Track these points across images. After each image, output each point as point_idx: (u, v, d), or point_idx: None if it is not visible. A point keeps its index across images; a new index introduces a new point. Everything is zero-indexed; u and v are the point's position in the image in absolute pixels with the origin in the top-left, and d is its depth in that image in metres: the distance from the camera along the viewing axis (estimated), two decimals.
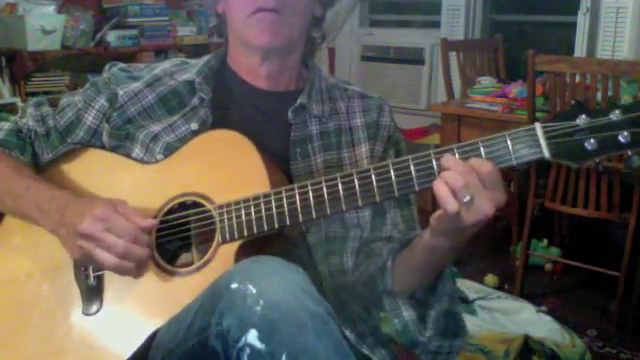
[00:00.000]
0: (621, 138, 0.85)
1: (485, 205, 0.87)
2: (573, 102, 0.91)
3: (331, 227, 1.10)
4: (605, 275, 2.59)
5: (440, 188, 0.88)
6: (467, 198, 0.86)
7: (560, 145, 0.87)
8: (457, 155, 0.90)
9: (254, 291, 0.84)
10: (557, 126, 0.88)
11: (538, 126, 0.88)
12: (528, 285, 2.82)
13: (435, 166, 0.91)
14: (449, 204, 0.87)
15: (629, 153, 0.86)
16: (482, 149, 0.90)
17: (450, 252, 0.97)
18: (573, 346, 2.32)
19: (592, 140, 0.86)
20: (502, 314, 2.54)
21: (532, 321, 2.49)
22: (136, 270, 1.01)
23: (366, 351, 1.10)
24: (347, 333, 1.09)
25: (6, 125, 1.18)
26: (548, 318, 2.51)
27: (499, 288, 2.84)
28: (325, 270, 1.10)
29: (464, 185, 0.86)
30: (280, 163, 1.09)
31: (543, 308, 2.63)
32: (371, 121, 1.18)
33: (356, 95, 1.21)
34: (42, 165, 1.19)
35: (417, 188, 0.93)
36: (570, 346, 2.32)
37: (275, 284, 0.86)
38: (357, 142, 1.16)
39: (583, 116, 0.87)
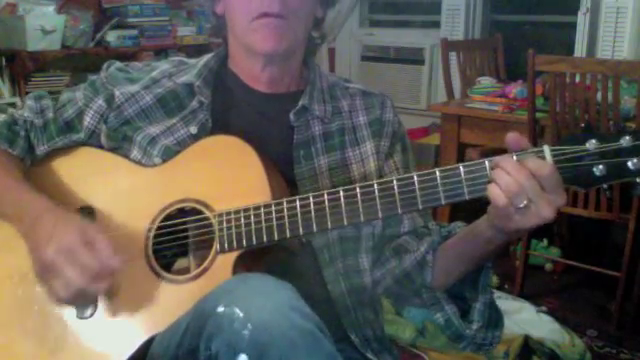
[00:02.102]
0: (630, 165, 0.84)
1: (545, 209, 0.85)
2: (583, 125, 0.90)
3: (344, 228, 1.10)
4: (605, 275, 2.59)
5: (492, 190, 0.86)
6: (523, 203, 0.84)
7: (568, 169, 0.86)
8: (463, 174, 0.89)
9: (241, 315, 0.83)
10: (566, 149, 0.86)
11: (547, 149, 0.87)
12: (528, 285, 2.82)
13: (440, 184, 0.90)
14: (499, 201, 0.85)
15: (637, 180, 0.85)
16: (488, 168, 0.88)
17: (505, 243, 0.96)
18: (573, 346, 2.33)
19: (601, 166, 0.85)
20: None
21: (532, 321, 2.49)
22: (88, 304, 1.01)
23: (370, 355, 1.10)
24: (352, 337, 1.08)
25: (1, 117, 1.17)
26: (548, 318, 2.51)
27: (499, 288, 2.84)
28: (331, 274, 1.09)
29: (519, 191, 0.84)
30: (283, 166, 1.08)
31: (543, 308, 2.63)
32: (374, 118, 1.17)
33: (358, 93, 1.20)
34: (37, 160, 1.17)
35: (421, 206, 0.91)
36: (570, 346, 2.32)
37: (262, 305, 0.84)
38: (361, 140, 1.15)
39: (593, 140, 0.85)
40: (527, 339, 2.30)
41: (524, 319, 2.50)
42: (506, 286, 2.87)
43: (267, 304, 0.84)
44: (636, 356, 2.38)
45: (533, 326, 2.43)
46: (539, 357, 2.27)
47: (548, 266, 3.08)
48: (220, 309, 0.84)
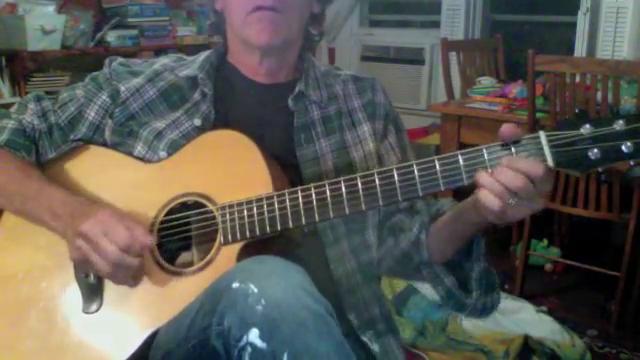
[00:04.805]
0: (624, 148, 0.85)
1: (537, 202, 0.89)
2: (577, 111, 0.90)
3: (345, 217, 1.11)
4: (605, 275, 2.59)
5: (487, 198, 0.89)
6: (513, 201, 0.87)
7: (564, 154, 0.88)
8: (461, 161, 0.90)
9: (255, 290, 0.85)
10: (561, 135, 0.88)
11: (542, 134, 0.89)
12: (528, 285, 2.82)
13: (439, 172, 0.91)
14: (495, 208, 0.88)
15: (631, 163, 0.86)
16: (486, 155, 0.90)
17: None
18: (573, 346, 2.32)
19: (595, 149, 0.86)
20: (502, 314, 2.54)
21: (532, 321, 2.49)
22: (131, 280, 1.02)
23: (366, 339, 1.11)
24: (351, 318, 1.10)
25: (10, 124, 1.17)
26: (548, 318, 2.51)
27: (499, 288, 2.83)
28: (336, 254, 1.10)
29: (513, 195, 0.87)
30: (286, 150, 1.11)
31: (543, 308, 2.63)
32: (367, 101, 1.21)
33: (349, 79, 1.24)
34: (44, 163, 1.18)
35: (421, 193, 0.93)
36: (570, 346, 2.32)
37: (276, 283, 0.86)
38: (358, 123, 1.19)
39: (587, 125, 0.87)
40: (527, 339, 2.31)
41: (524, 319, 2.50)
42: (506, 286, 2.87)
43: (281, 282, 0.86)
44: (636, 356, 2.38)
45: (533, 326, 2.43)
46: (539, 357, 2.27)
47: (548, 266, 3.08)
48: (235, 285, 0.86)
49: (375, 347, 1.11)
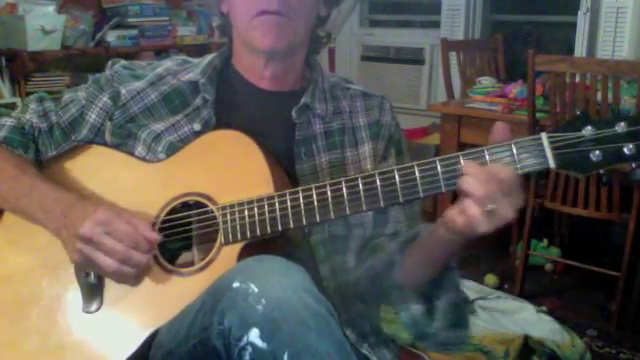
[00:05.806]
0: (626, 150, 0.85)
1: (506, 211, 0.87)
2: (578, 112, 0.90)
3: (334, 226, 1.10)
4: (605, 275, 2.60)
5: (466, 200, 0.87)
6: (490, 207, 0.86)
7: (566, 156, 0.88)
8: (463, 162, 0.90)
9: (256, 290, 0.85)
10: (563, 136, 0.88)
11: (544, 136, 0.88)
12: (528, 285, 2.82)
13: (440, 173, 0.91)
14: (471, 210, 0.87)
15: (633, 165, 0.86)
16: (487, 156, 0.90)
17: (464, 244, 0.96)
18: (573, 346, 2.33)
19: (597, 151, 0.86)
20: (502, 314, 2.54)
21: (532, 321, 2.49)
22: (134, 278, 1.01)
23: (365, 351, 1.11)
24: (348, 333, 1.09)
25: (8, 122, 1.17)
26: (548, 318, 2.52)
27: (499, 288, 2.84)
28: (326, 270, 1.10)
29: (486, 195, 0.85)
30: (285, 163, 1.10)
31: (543, 308, 2.63)
32: (373, 120, 1.19)
33: (358, 94, 1.21)
34: (44, 162, 1.18)
35: (422, 195, 0.92)
36: (570, 346, 2.32)
37: (277, 283, 0.86)
38: (360, 141, 1.17)
39: (589, 127, 0.87)
40: (527, 339, 2.31)
41: (524, 319, 2.51)
42: (506, 286, 2.87)
43: (282, 282, 0.86)
44: (636, 356, 2.38)
45: (533, 326, 2.43)
46: (539, 357, 2.27)
47: (548, 266, 3.08)
48: (236, 284, 0.86)
49: (374, 359, 1.11)
